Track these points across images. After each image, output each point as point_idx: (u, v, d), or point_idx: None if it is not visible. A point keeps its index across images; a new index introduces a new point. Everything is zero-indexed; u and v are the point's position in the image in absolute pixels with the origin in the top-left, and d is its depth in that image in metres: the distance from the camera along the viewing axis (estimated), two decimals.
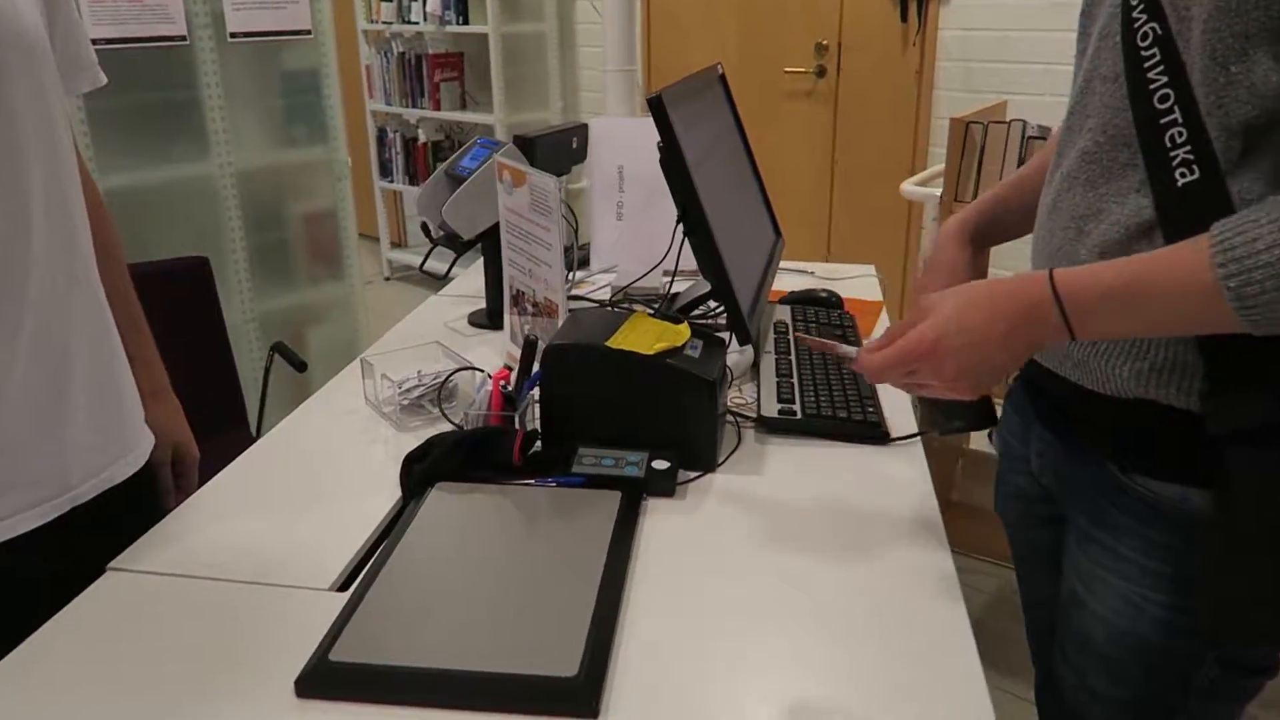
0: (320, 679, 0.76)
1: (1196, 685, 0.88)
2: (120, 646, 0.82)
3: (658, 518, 1.02)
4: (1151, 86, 0.75)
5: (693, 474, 1.10)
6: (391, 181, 4.94)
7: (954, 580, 0.92)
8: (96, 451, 1.00)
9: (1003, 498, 1.11)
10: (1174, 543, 0.84)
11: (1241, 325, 0.70)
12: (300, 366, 2.00)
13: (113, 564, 0.94)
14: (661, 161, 1.21)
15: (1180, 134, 0.74)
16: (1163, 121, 0.74)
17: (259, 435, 2.19)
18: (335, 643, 0.79)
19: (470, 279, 1.88)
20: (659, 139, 1.21)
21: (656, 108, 1.16)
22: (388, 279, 5.10)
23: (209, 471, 1.17)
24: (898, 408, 1.26)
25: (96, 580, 0.92)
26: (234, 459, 1.19)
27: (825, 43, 3.50)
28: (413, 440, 1.19)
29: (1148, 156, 0.77)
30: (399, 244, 5.34)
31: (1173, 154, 0.75)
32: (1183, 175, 0.74)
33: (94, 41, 1.08)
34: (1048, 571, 1.04)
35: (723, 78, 1.60)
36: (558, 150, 1.78)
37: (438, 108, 4.53)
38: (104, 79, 1.09)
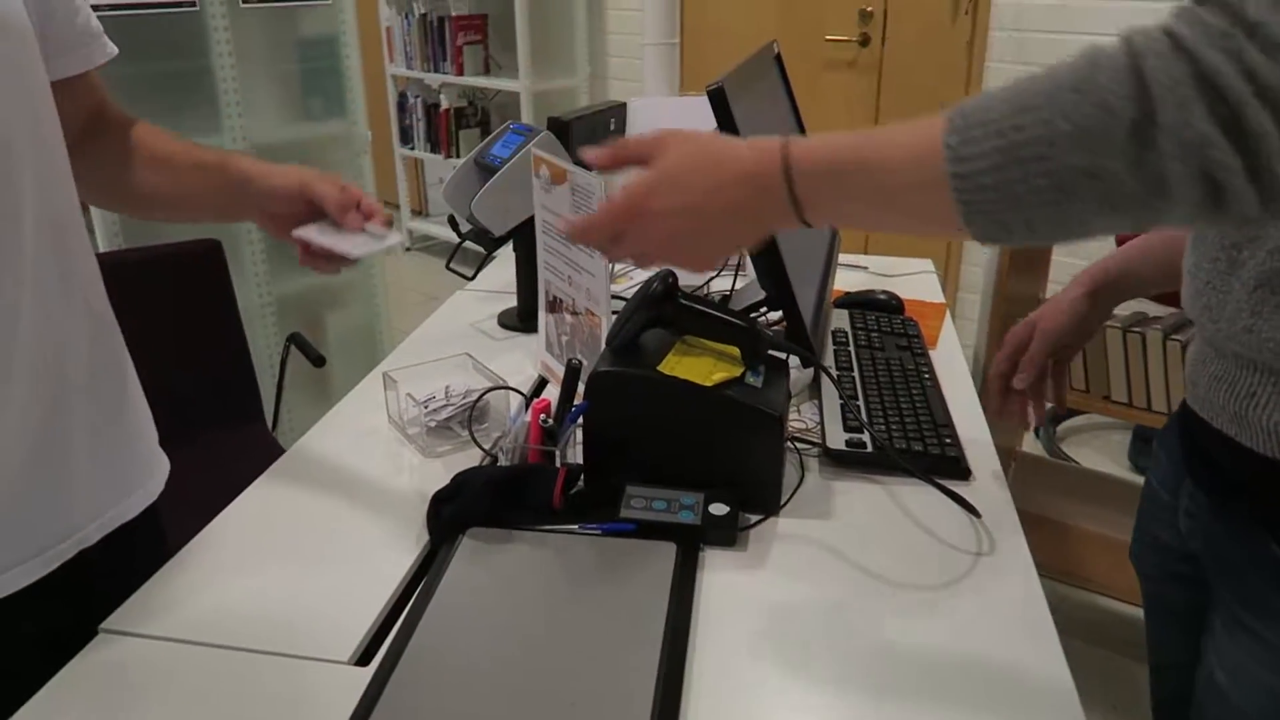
0: None
1: None
2: None
3: (717, 573, 0.90)
4: None
5: (753, 518, 0.98)
6: (412, 149, 4.80)
7: (1057, 650, 0.80)
8: (104, 487, 0.88)
9: (1139, 544, 1.00)
10: None
11: (956, 214, 0.58)
12: (318, 361, 1.89)
13: (105, 625, 0.83)
14: None
15: None
16: None
17: (275, 428, 2.10)
18: None
19: (499, 270, 1.76)
20: (713, 129, 1.08)
21: (718, 100, 1.02)
22: (408, 249, 4.98)
23: (224, 469, 1.06)
24: (974, 438, 1.13)
25: (88, 644, 0.81)
26: (250, 454, 1.08)
27: (870, 9, 3.32)
28: (440, 468, 1.08)
29: None
30: (419, 213, 5.21)
31: None
32: None
33: (97, 8, 0.95)
34: (1181, 634, 0.93)
35: (778, 58, 1.46)
36: (594, 133, 1.64)
37: (461, 72, 4.37)
38: (113, 49, 0.96)
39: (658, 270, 1.01)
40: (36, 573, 0.81)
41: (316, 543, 0.95)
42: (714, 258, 0.72)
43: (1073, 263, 3.02)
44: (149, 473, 0.95)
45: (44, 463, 0.81)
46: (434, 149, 4.68)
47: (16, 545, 0.80)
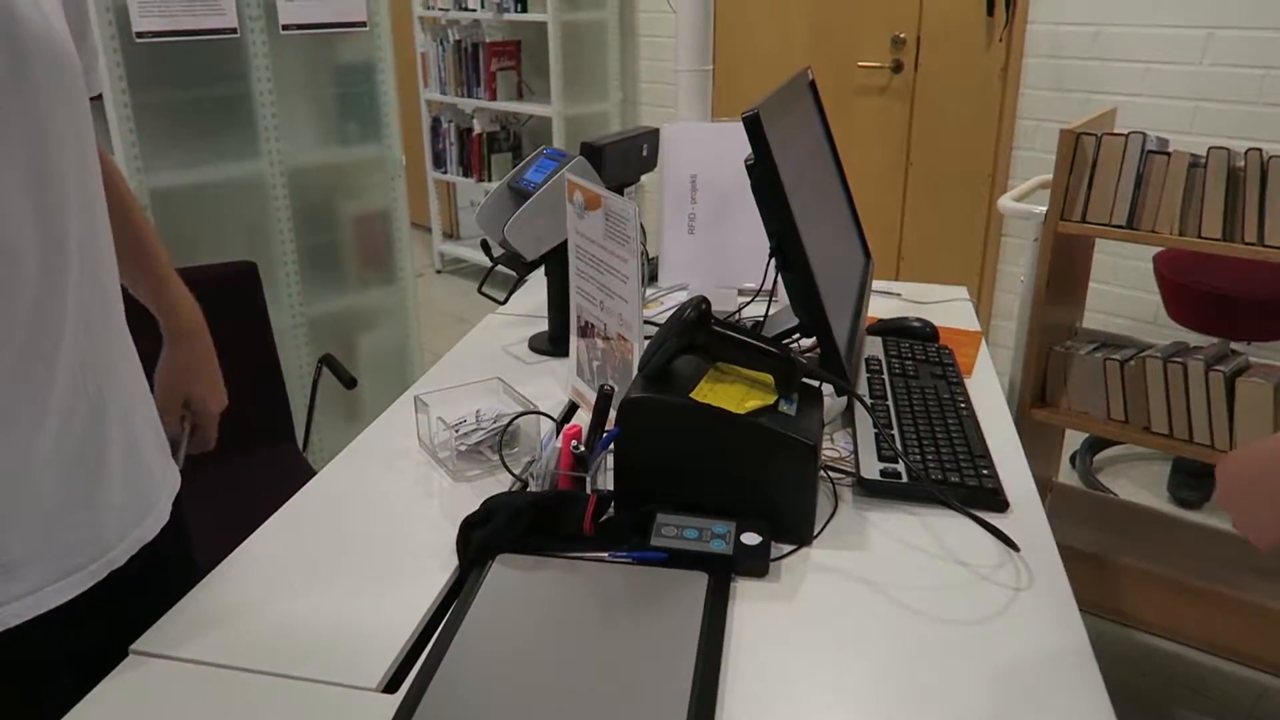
0: None
1: None
2: None
3: (749, 604, 0.89)
4: None
5: (786, 548, 0.97)
6: (445, 172, 4.84)
7: (1100, 687, 0.78)
8: (131, 507, 0.89)
9: None
10: None
11: None
12: (350, 383, 1.90)
13: (135, 646, 0.83)
14: (755, 187, 1.07)
15: None
16: None
17: (306, 449, 2.11)
18: None
19: (531, 293, 1.76)
20: (748, 157, 1.07)
21: (753, 127, 1.02)
22: (439, 271, 5.01)
23: (254, 490, 1.06)
24: (1012, 469, 1.11)
25: (118, 665, 0.81)
26: (281, 475, 1.08)
27: (903, 36, 3.32)
28: (470, 493, 1.08)
29: None
30: (451, 235, 5.25)
31: None
32: None
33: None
34: None
35: (813, 84, 1.46)
36: (627, 158, 1.65)
37: (494, 97, 4.41)
38: (100, 87, 0.98)
39: (692, 299, 1.00)
40: (68, 593, 0.81)
41: (345, 566, 0.95)
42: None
43: (1110, 290, 2.98)
44: (163, 492, 0.96)
45: (80, 482, 0.81)
46: (466, 173, 4.72)
47: (51, 564, 0.80)
